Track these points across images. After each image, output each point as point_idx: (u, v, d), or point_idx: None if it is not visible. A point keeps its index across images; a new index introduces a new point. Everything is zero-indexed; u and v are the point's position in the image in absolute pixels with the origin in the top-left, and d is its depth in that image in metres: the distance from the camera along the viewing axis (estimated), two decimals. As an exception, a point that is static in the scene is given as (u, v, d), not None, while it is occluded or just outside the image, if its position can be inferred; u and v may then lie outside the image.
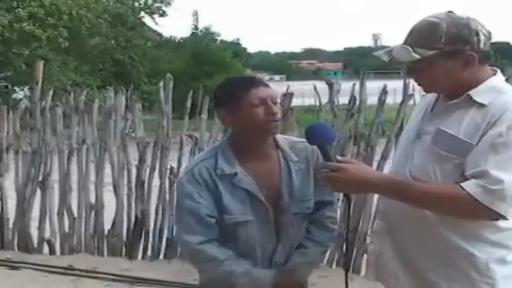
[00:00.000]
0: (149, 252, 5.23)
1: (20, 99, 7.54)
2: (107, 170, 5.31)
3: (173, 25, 28.15)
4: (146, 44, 23.61)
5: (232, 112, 2.08)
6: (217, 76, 21.29)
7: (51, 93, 5.60)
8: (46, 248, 5.39)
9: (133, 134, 5.57)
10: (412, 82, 3.74)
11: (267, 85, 2.11)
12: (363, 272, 4.74)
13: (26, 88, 16.90)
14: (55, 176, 5.41)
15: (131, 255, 5.23)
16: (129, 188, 5.23)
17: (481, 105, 1.86)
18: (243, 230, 2.09)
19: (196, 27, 27.80)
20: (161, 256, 5.20)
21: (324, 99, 5.19)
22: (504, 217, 1.79)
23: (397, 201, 1.90)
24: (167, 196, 5.14)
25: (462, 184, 1.79)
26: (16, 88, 18.98)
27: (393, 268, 2.02)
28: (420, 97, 2.32)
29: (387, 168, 3.47)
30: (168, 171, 5.15)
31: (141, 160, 5.19)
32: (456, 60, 1.86)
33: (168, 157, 5.18)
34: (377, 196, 2.44)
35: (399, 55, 1.91)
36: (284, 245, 2.16)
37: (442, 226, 1.88)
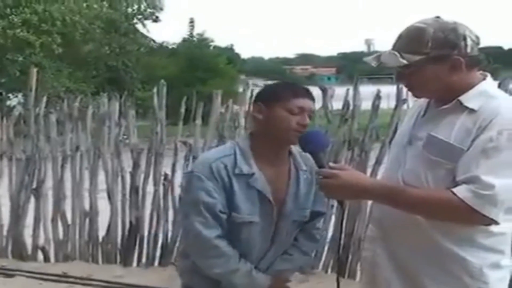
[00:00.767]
0: (143, 259, 5.21)
1: (14, 106, 7.51)
2: (101, 176, 5.30)
3: (166, 31, 28.15)
4: (140, 50, 23.55)
5: (269, 110, 2.11)
6: (211, 82, 21.25)
7: (45, 99, 5.60)
8: (40, 256, 5.37)
9: (127, 141, 5.56)
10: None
11: (312, 99, 2.16)
12: (358, 277, 4.74)
13: (20, 95, 16.84)
14: (49, 183, 5.39)
15: (126, 262, 5.21)
16: (123, 195, 5.22)
17: (472, 110, 1.87)
18: (247, 230, 2.12)
19: (192, 35, 27.80)
20: (156, 263, 5.18)
21: (318, 105, 5.19)
22: (495, 222, 1.80)
23: (390, 207, 1.91)
24: (161, 202, 5.13)
25: (454, 190, 1.80)
26: (10, 95, 18.91)
27: (386, 273, 2.02)
28: (413, 102, 2.33)
29: (381, 173, 3.48)
30: (162, 178, 5.14)
31: (135, 166, 5.18)
32: (443, 65, 1.87)
33: (162, 163, 5.17)
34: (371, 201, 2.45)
35: (387, 61, 1.93)
36: (275, 250, 2.20)
37: (435, 231, 1.89)
